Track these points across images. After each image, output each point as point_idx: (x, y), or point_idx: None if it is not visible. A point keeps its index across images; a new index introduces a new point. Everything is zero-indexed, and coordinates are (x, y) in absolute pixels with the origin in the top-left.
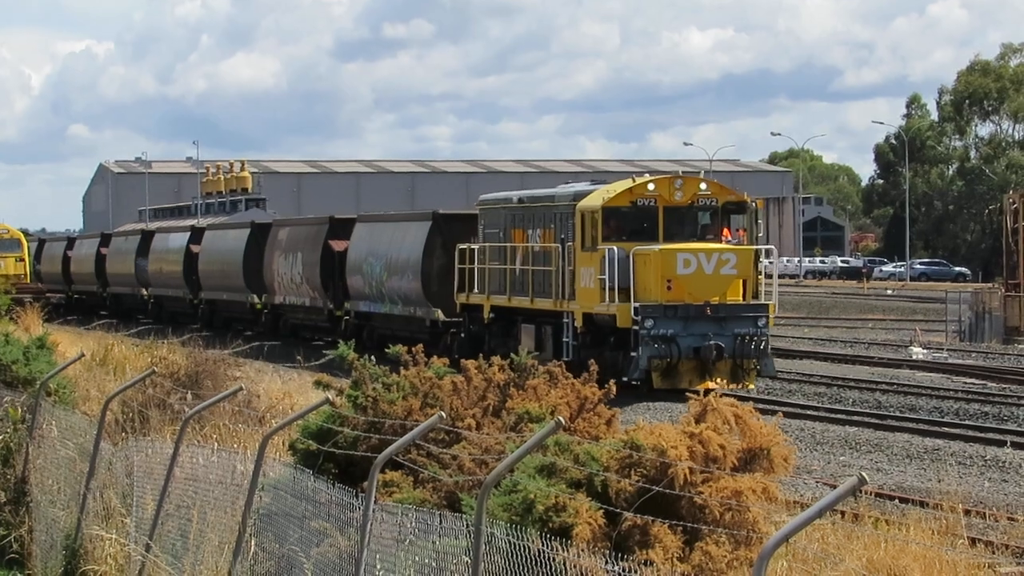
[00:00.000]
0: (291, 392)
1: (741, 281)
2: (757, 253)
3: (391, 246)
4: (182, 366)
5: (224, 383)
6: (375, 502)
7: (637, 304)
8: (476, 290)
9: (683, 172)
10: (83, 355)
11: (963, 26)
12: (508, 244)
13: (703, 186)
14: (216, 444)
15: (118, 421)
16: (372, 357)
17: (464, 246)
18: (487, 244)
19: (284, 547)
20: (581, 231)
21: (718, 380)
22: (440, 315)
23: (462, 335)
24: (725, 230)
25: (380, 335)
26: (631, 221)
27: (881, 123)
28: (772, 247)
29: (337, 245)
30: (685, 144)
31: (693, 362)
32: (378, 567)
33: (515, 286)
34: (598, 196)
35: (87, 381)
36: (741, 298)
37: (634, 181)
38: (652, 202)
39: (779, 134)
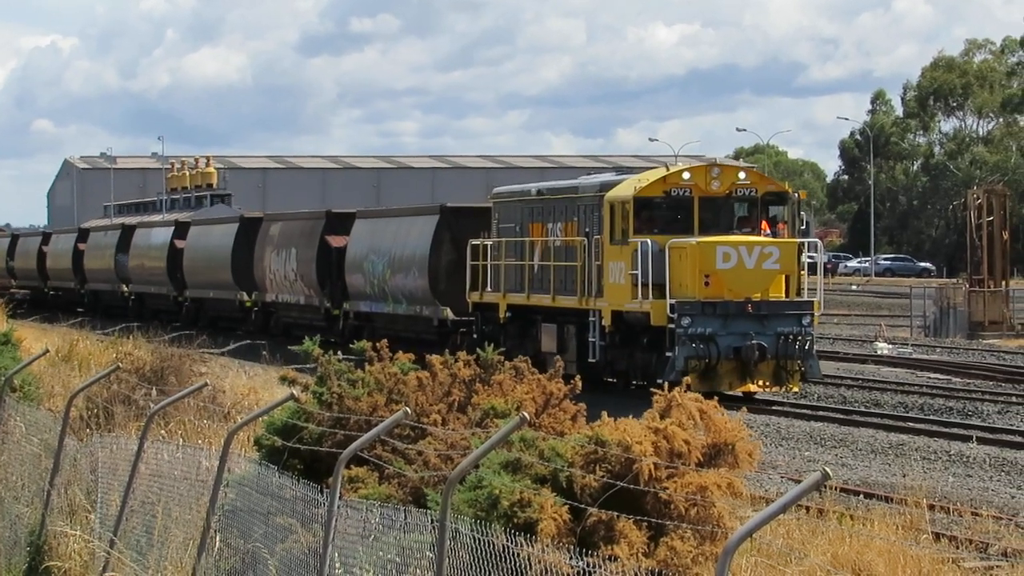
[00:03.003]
0: (256, 388)
1: (784, 276)
2: (800, 247)
3: (395, 242)
4: (147, 362)
5: (189, 379)
6: (340, 498)
7: (673, 301)
8: (490, 288)
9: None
10: (47, 351)
11: (928, 22)
12: (527, 239)
13: (741, 175)
14: (181, 440)
15: (83, 417)
16: (339, 352)
17: (477, 242)
18: (503, 239)
19: (249, 543)
20: (610, 223)
21: (760, 382)
22: (449, 314)
23: (474, 336)
24: (764, 222)
25: (382, 336)
26: (664, 212)
27: (846, 119)
28: (817, 240)
29: (335, 241)
30: (650, 140)
31: (733, 363)
32: (342, 563)
33: (534, 283)
34: (629, 186)
35: (52, 377)
36: (784, 294)
37: (668, 169)
38: (687, 192)
39: (744, 130)
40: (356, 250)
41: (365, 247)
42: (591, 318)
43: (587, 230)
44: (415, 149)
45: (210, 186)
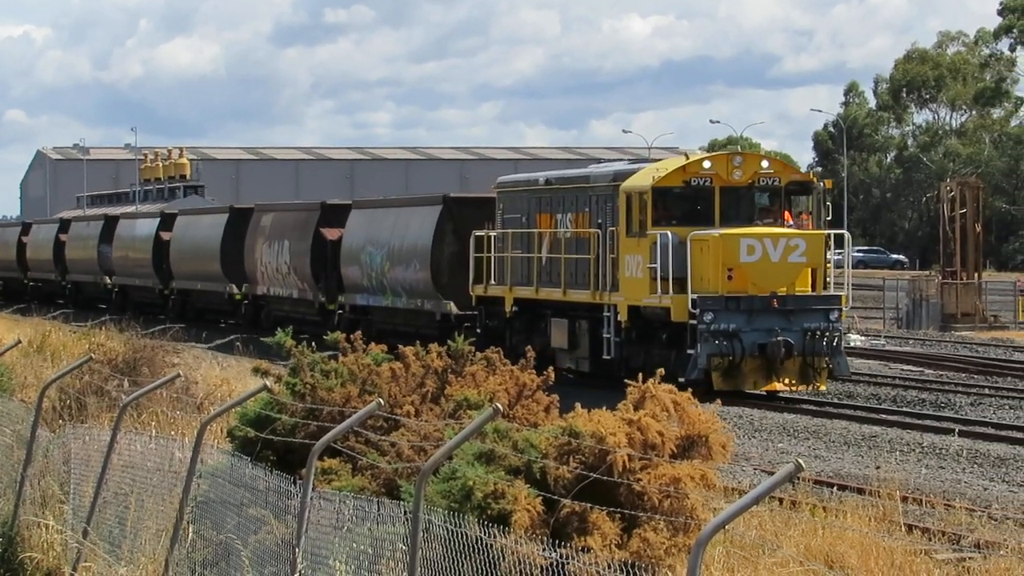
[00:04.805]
0: (230, 379)
1: (810, 270)
2: (827, 239)
3: (394, 233)
4: (120, 353)
5: (162, 370)
6: (313, 489)
7: (695, 296)
8: (495, 281)
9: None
10: (19, 342)
11: (902, 14)
12: (534, 230)
13: (764, 164)
14: (154, 431)
15: (55, 408)
16: (313, 344)
17: (481, 233)
18: (508, 230)
19: (222, 534)
20: (627, 214)
21: (786, 380)
22: (453, 308)
23: (477, 330)
24: (786, 213)
25: (380, 331)
26: (684, 203)
27: (820, 111)
28: (845, 232)
29: (330, 233)
30: (624, 131)
31: (758, 360)
32: (315, 554)
33: (543, 276)
34: (647, 175)
35: (24, 368)
36: (811, 289)
37: (687, 158)
38: (708, 182)
39: (718, 121)
40: (352, 241)
41: (362, 238)
42: (606, 313)
43: (600, 221)
44: (388, 140)
45: (183, 177)
